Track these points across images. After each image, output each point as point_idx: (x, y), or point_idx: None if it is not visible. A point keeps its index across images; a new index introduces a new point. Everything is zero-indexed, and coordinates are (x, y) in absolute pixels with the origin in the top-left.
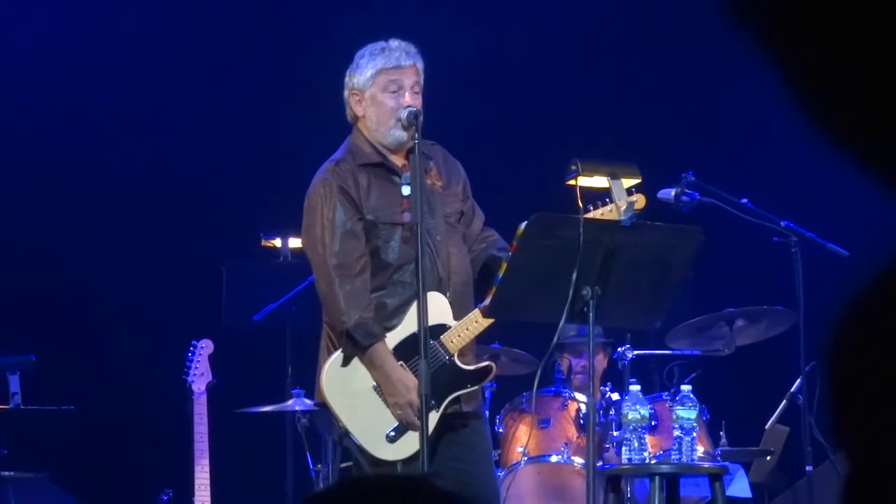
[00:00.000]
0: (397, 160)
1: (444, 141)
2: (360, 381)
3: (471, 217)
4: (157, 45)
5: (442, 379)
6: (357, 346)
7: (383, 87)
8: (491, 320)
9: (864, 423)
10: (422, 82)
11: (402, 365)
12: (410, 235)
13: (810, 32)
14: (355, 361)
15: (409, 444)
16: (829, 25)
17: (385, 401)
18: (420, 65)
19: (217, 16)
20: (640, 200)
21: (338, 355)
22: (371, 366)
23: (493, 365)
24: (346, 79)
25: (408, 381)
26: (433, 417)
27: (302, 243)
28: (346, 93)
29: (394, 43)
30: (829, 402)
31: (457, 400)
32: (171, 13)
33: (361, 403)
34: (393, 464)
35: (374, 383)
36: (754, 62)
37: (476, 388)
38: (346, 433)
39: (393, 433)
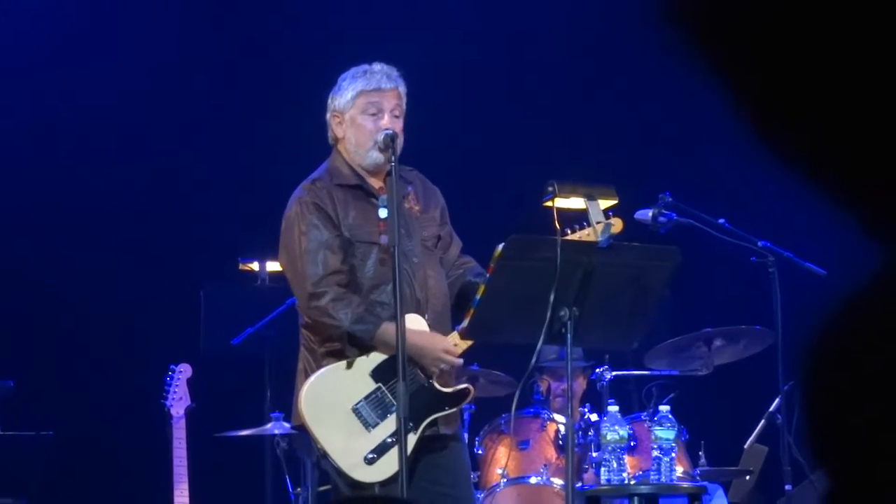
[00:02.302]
0: (375, 183)
1: (421, 163)
2: (339, 403)
3: (448, 242)
4: (137, 72)
5: (420, 401)
6: (361, 342)
7: (363, 110)
8: (469, 342)
9: (843, 440)
10: (404, 106)
11: (380, 387)
12: (387, 257)
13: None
14: (334, 383)
15: (388, 466)
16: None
17: (363, 423)
18: (402, 89)
19: (196, 43)
20: (617, 224)
21: (316, 377)
22: (387, 348)
23: (471, 387)
24: (329, 100)
25: (426, 337)
26: (411, 440)
27: (280, 262)
28: (328, 114)
29: (376, 66)
30: (807, 421)
31: (435, 422)
32: (152, 41)
33: (340, 426)
34: (371, 486)
35: (353, 405)
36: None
37: (454, 410)
38: (324, 455)
39: (371, 455)
